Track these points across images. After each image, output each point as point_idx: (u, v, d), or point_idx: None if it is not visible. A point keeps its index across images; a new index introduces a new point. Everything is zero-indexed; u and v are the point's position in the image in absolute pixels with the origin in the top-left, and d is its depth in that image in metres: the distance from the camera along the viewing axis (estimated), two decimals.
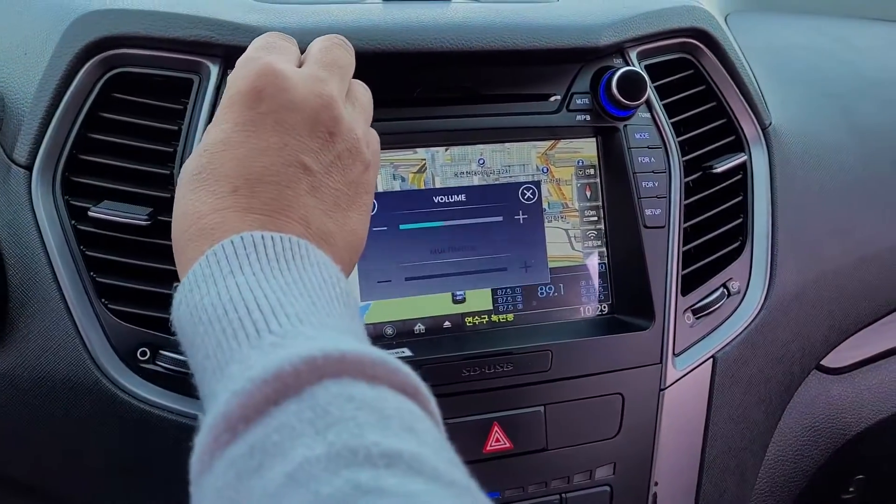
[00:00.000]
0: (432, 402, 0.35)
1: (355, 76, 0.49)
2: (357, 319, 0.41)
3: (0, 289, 0.56)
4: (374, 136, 0.50)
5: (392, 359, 0.34)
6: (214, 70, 0.60)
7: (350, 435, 0.29)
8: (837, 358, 0.80)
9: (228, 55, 0.60)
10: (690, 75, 0.73)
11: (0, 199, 0.57)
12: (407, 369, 0.34)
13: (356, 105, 0.48)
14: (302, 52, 0.50)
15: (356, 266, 0.63)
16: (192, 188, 0.42)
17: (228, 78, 0.46)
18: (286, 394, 0.31)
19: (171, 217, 0.44)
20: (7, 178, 0.57)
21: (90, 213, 0.58)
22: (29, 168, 0.57)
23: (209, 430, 0.31)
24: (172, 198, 0.45)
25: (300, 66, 0.47)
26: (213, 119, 0.44)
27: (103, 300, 0.58)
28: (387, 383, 0.33)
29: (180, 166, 0.58)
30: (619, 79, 0.65)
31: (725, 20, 0.92)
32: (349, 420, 0.30)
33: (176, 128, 0.60)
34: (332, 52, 0.48)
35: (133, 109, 0.60)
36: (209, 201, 0.41)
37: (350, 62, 0.49)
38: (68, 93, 0.58)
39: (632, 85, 0.65)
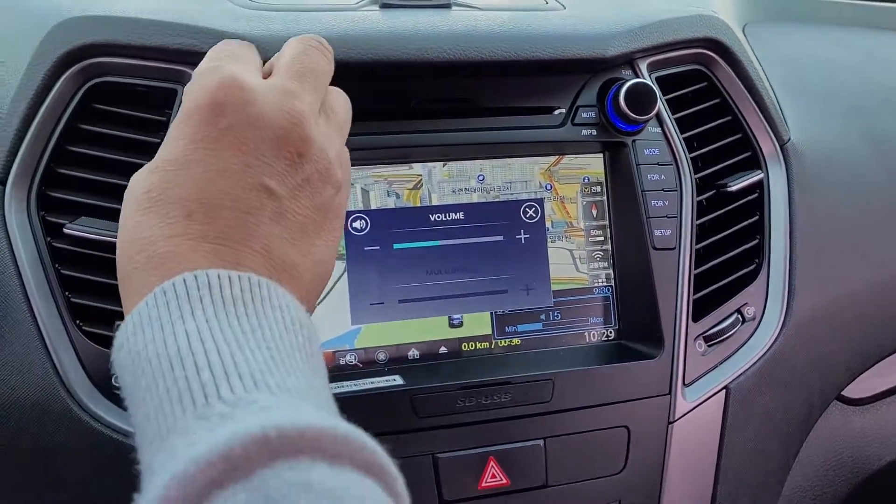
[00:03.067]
0: (400, 483, 0.31)
1: (348, 86, 0.46)
2: (321, 373, 0.37)
3: None
4: (346, 155, 0.46)
5: (357, 432, 0.30)
6: None
7: None
8: (859, 388, 0.75)
9: None
10: (704, 88, 0.70)
11: None
12: (373, 445, 0.30)
13: (331, 119, 0.44)
14: (269, 56, 0.46)
15: (346, 288, 0.60)
16: (140, 210, 0.38)
17: (185, 89, 0.42)
18: (234, 477, 0.27)
19: None
20: None
21: (66, 230, 0.55)
22: (2, 182, 0.55)
23: None
24: None
25: (268, 77, 0.43)
26: (168, 134, 0.40)
27: (77, 322, 0.55)
28: (349, 463, 0.29)
29: None
30: (627, 91, 0.62)
31: (743, 31, 0.88)
32: None
33: (158, 140, 0.57)
34: (308, 58, 0.44)
35: (114, 121, 0.57)
36: (159, 227, 0.37)
37: (327, 69, 0.45)
38: (46, 103, 0.56)
39: (641, 98, 0.62)
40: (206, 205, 0.37)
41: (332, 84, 0.46)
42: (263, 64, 0.46)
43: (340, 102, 0.46)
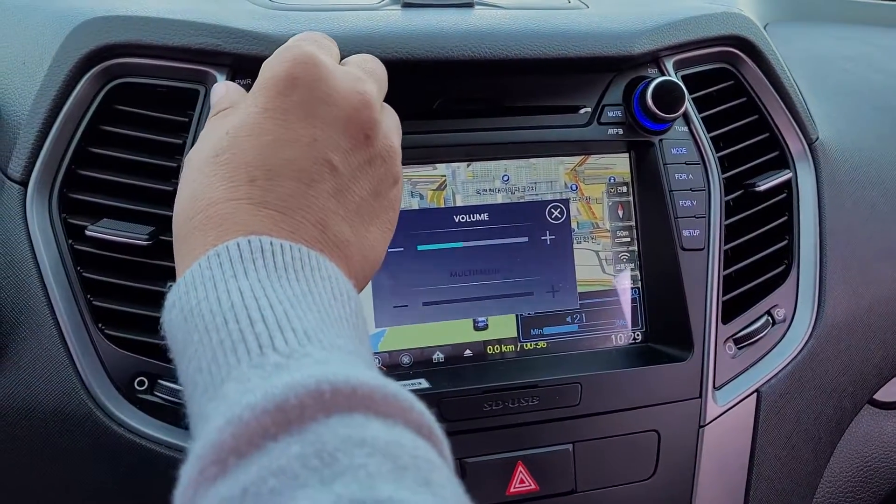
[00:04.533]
0: (446, 446, 0.31)
1: None
2: (366, 343, 0.37)
3: None
4: (400, 155, 0.47)
5: (407, 393, 0.30)
6: (221, 80, 0.56)
7: (360, 487, 0.25)
8: (892, 391, 0.74)
9: (236, 64, 0.56)
10: (730, 86, 0.68)
11: None
12: (421, 406, 0.30)
13: (391, 125, 0.45)
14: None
15: (370, 290, 0.59)
16: (206, 172, 0.39)
17: (264, 64, 0.42)
18: (288, 429, 0.27)
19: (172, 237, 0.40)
20: (0, 195, 0.54)
21: (88, 232, 0.54)
22: (24, 184, 0.54)
23: (196, 460, 0.27)
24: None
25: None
26: (247, 96, 0.41)
27: (99, 325, 0.54)
28: (403, 421, 0.29)
29: None
30: (654, 89, 0.60)
31: (764, 30, 0.87)
32: (359, 469, 0.26)
33: (180, 142, 0.57)
34: (373, 62, 0.46)
35: (135, 122, 0.57)
36: (222, 188, 0.38)
37: (385, 77, 0.47)
38: (67, 104, 0.55)
39: (669, 96, 0.61)
40: (269, 172, 0.38)
41: None
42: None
43: (394, 114, 0.47)
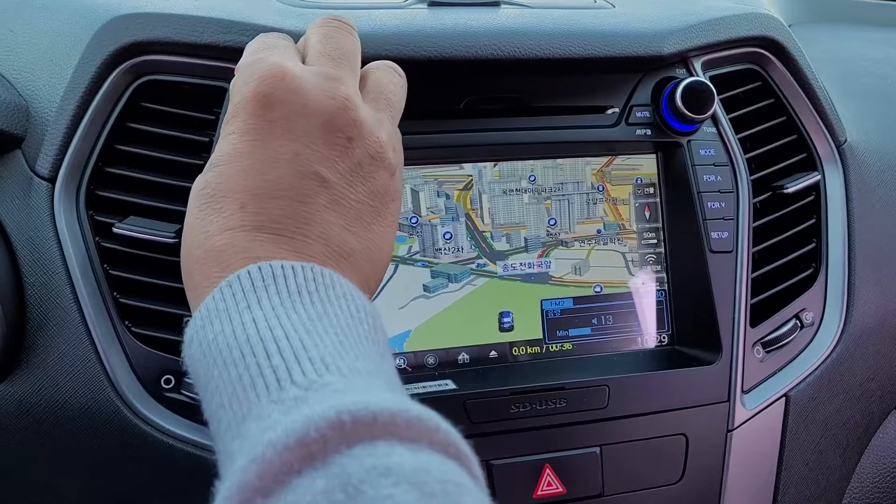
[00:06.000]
0: (476, 464, 0.30)
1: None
2: (388, 359, 0.36)
3: (18, 310, 0.52)
4: (398, 136, 0.45)
5: (430, 413, 0.29)
6: None
7: None
8: None
9: None
10: (758, 87, 0.68)
11: (20, 214, 0.54)
12: (447, 426, 0.29)
13: (380, 101, 0.43)
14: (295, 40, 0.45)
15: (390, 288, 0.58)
16: (198, 208, 0.38)
17: (231, 86, 0.41)
18: (311, 464, 0.26)
19: None
20: (28, 192, 0.54)
21: (115, 230, 0.54)
22: (52, 181, 0.54)
23: (224, 502, 0.26)
24: None
25: (304, 63, 0.42)
26: (220, 133, 0.40)
27: (126, 323, 0.54)
28: (428, 445, 0.28)
29: None
30: (684, 89, 0.60)
31: None
32: (386, 499, 0.25)
33: (207, 139, 0.56)
34: (335, 40, 0.43)
35: (162, 119, 0.57)
36: (216, 220, 0.37)
37: (356, 46, 0.44)
38: (95, 101, 0.55)
39: (698, 96, 0.60)
40: (258, 195, 0.37)
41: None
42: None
43: (394, 81, 0.45)
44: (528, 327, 0.61)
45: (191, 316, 0.36)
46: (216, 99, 0.57)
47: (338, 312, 0.34)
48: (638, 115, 0.62)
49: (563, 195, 0.63)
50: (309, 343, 0.32)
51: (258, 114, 0.39)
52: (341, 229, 0.38)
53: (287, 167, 0.38)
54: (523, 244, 0.62)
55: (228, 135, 0.39)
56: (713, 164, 0.63)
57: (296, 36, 0.54)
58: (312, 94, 0.39)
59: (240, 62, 0.42)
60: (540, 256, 0.62)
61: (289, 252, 0.37)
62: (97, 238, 0.54)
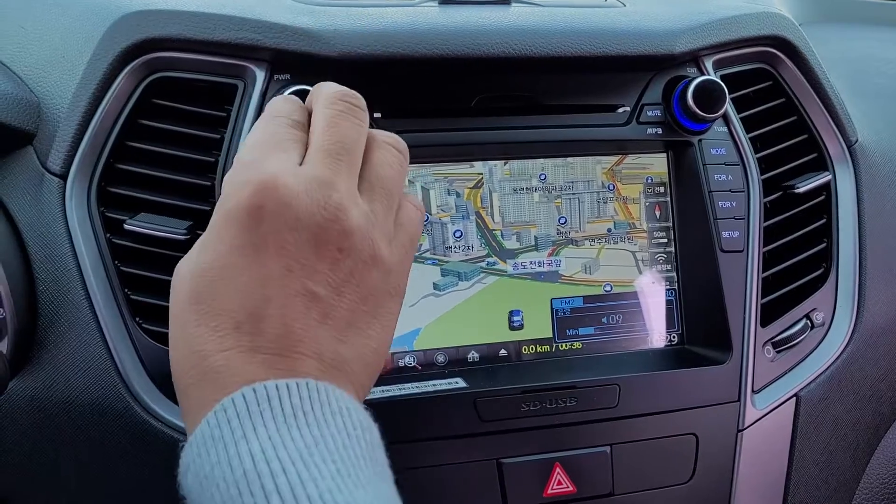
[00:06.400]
0: None
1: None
2: (386, 477, 0.36)
3: (30, 306, 0.52)
4: (409, 214, 0.43)
5: None
6: (260, 75, 0.56)
7: None
8: None
9: (275, 60, 0.56)
10: (768, 87, 0.67)
11: (32, 210, 0.54)
12: None
13: (375, 190, 0.41)
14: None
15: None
16: (189, 321, 0.38)
17: (224, 184, 0.40)
18: None
19: None
20: (40, 188, 0.54)
21: (126, 226, 0.54)
22: (63, 177, 0.54)
23: None
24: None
25: (305, 155, 0.41)
26: (207, 233, 0.39)
27: (137, 319, 0.54)
28: None
29: (222, 177, 0.54)
30: (695, 88, 0.60)
31: None
32: None
33: (218, 136, 0.56)
34: (339, 131, 0.41)
35: (174, 116, 0.57)
36: (211, 340, 0.37)
37: (359, 134, 0.42)
38: (106, 98, 0.55)
39: (710, 95, 0.60)
40: (252, 315, 0.37)
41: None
42: (309, 115, 0.44)
43: (393, 163, 0.43)
44: (538, 326, 0.61)
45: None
46: (227, 96, 0.57)
47: (334, 433, 0.34)
48: (649, 113, 0.62)
49: (574, 194, 0.63)
50: (307, 477, 0.32)
51: (250, 227, 0.38)
52: (334, 341, 0.38)
53: (279, 285, 0.37)
54: (533, 243, 0.62)
55: (218, 244, 0.38)
56: (724, 164, 0.63)
57: (309, 36, 0.55)
58: (303, 206, 0.38)
59: (238, 157, 0.41)
60: (550, 255, 0.62)
61: (283, 371, 0.36)
62: (108, 234, 0.54)
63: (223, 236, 0.38)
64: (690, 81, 0.60)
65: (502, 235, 0.61)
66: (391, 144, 0.44)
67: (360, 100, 0.43)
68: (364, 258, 0.39)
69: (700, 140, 0.63)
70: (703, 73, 0.63)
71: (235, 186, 0.39)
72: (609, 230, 0.63)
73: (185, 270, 0.39)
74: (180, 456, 0.35)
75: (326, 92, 0.43)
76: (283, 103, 0.44)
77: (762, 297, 0.62)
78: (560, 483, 0.56)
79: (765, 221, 0.64)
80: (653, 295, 0.63)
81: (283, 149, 0.40)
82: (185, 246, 0.54)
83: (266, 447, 0.33)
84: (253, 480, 0.32)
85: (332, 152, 0.40)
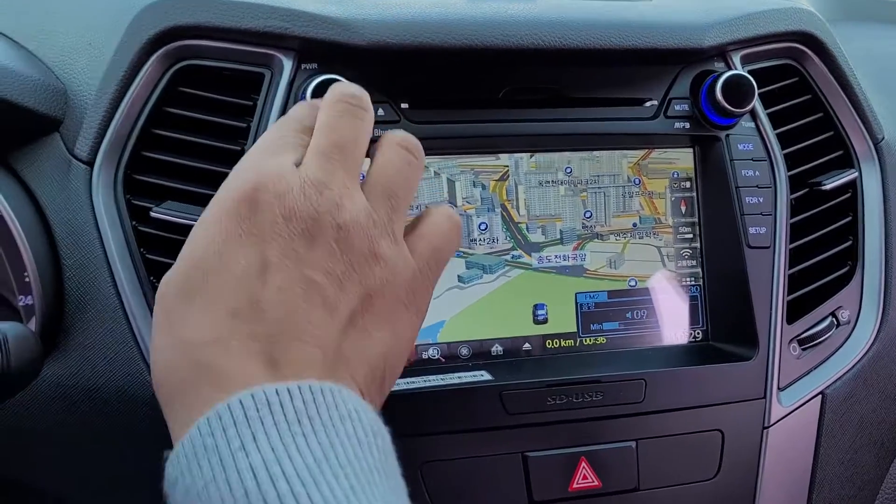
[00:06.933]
0: None
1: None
2: (399, 489, 0.34)
3: (57, 292, 0.52)
4: (435, 223, 0.43)
5: None
6: (288, 64, 0.56)
7: None
8: None
9: (303, 48, 0.56)
10: (795, 83, 0.67)
11: (59, 197, 0.54)
12: None
13: (377, 190, 0.40)
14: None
15: None
16: (179, 310, 0.35)
17: (225, 181, 0.39)
18: None
19: None
20: (67, 174, 0.54)
21: (152, 214, 0.54)
22: (90, 164, 0.54)
23: None
24: None
25: (304, 154, 0.40)
26: (200, 224, 0.38)
27: None
28: None
29: None
30: (724, 83, 0.59)
31: None
32: None
33: (245, 125, 0.56)
34: (338, 131, 0.41)
35: (200, 105, 0.56)
36: (204, 329, 0.34)
37: (357, 133, 0.41)
38: (133, 86, 0.55)
39: (739, 90, 0.59)
40: (250, 300, 0.35)
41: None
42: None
43: (400, 165, 0.42)
44: (563, 320, 0.61)
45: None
46: (254, 85, 0.56)
47: (344, 442, 0.31)
48: (677, 108, 0.62)
49: (600, 188, 0.62)
50: (318, 498, 0.28)
51: (246, 217, 0.37)
52: (337, 333, 0.36)
53: (276, 269, 0.36)
54: (559, 236, 0.61)
55: (214, 235, 0.37)
56: (751, 160, 0.62)
57: (338, 24, 0.54)
58: (298, 199, 0.37)
59: (243, 159, 0.41)
60: (575, 249, 0.62)
61: (284, 364, 0.34)
62: (134, 222, 0.54)
63: (219, 227, 0.37)
64: (719, 76, 0.60)
65: (527, 228, 0.61)
66: (400, 144, 0.43)
67: (360, 98, 0.42)
68: (364, 252, 0.38)
69: (727, 135, 0.62)
70: (730, 68, 0.63)
71: (234, 180, 0.39)
72: (634, 225, 0.63)
73: (178, 265, 0.38)
74: (165, 467, 0.32)
75: (329, 94, 0.43)
76: (299, 108, 0.44)
77: (788, 294, 0.62)
78: (585, 477, 0.55)
79: (791, 218, 0.63)
80: (677, 290, 0.63)
81: (283, 152, 0.40)
82: None
83: (269, 460, 0.29)
84: (256, 501, 0.28)
85: (326, 153, 0.40)
